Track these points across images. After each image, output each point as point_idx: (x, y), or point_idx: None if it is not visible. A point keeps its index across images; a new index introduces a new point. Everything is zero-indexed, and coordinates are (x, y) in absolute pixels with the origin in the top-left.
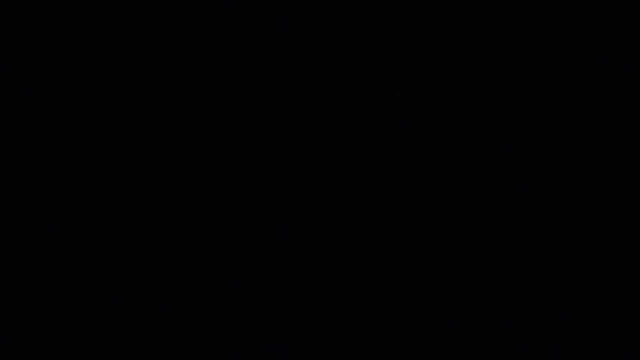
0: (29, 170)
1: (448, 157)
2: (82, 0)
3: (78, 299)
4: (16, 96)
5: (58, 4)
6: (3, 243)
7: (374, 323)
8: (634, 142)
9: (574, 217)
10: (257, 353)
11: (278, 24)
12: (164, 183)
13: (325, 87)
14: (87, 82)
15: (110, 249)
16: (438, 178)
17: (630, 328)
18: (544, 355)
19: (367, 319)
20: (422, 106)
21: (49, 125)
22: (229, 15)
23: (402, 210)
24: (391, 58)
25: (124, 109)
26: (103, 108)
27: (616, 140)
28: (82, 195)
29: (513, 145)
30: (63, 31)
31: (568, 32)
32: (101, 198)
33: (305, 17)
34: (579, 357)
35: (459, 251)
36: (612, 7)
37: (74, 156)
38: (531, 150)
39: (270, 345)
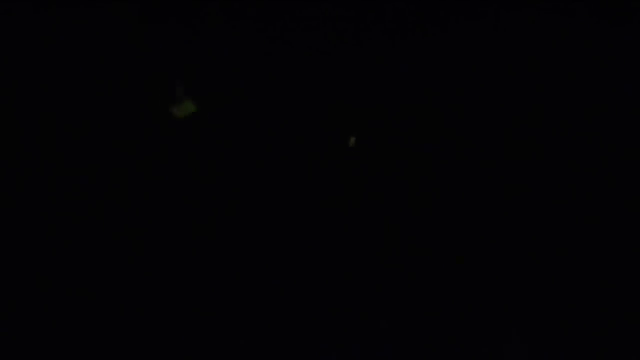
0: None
1: (448, 157)
2: (82, 1)
3: (78, 299)
4: (17, 95)
5: (59, 5)
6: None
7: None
8: (634, 142)
9: (573, 217)
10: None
11: (278, 24)
12: (164, 183)
13: (326, 86)
14: (87, 82)
15: (109, 249)
16: (439, 178)
17: (631, 328)
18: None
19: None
20: (422, 106)
21: (48, 124)
22: (230, 15)
23: (402, 210)
24: (391, 57)
25: (124, 108)
26: (103, 107)
27: (616, 140)
28: (82, 195)
29: (513, 145)
30: (63, 32)
31: (568, 32)
32: (102, 198)
33: (305, 17)
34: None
35: (458, 251)
36: (612, 8)
37: (73, 156)
38: (530, 150)
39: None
